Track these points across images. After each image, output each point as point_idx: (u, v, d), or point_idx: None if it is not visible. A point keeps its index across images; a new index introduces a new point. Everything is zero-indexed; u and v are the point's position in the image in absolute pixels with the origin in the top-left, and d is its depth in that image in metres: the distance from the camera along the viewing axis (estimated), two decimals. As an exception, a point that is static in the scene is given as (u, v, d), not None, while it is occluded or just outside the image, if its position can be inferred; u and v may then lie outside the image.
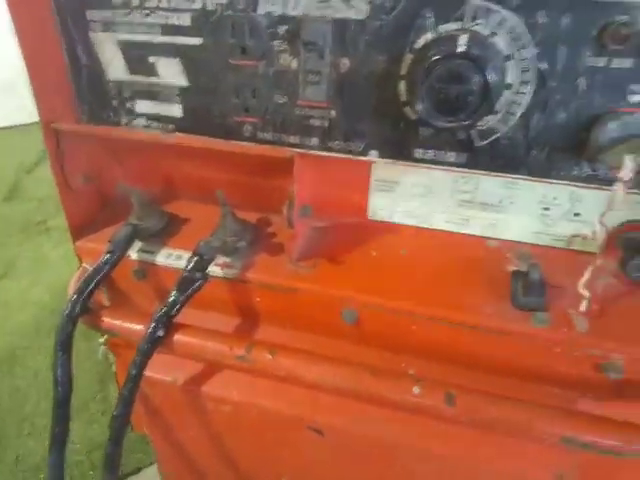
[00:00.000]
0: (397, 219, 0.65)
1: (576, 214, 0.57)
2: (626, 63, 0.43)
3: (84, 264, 0.70)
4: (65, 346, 0.59)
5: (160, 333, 0.56)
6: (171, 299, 0.57)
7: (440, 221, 0.64)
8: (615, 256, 0.56)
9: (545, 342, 0.53)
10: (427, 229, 0.64)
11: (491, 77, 0.43)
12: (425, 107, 0.45)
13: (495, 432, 0.52)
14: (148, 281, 0.67)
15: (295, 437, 0.61)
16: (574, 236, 0.53)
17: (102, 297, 0.71)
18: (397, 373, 0.51)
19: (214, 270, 0.62)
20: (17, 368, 1.49)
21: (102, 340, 0.79)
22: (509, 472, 0.54)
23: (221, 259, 0.62)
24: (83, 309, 0.60)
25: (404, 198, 0.63)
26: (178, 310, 0.57)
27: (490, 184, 0.58)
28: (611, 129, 0.44)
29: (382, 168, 0.61)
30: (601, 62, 0.43)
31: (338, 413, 0.58)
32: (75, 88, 0.64)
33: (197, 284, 0.57)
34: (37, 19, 0.59)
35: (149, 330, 0.56)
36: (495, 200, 0.59)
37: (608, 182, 0.48)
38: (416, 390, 0.50)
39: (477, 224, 0.62)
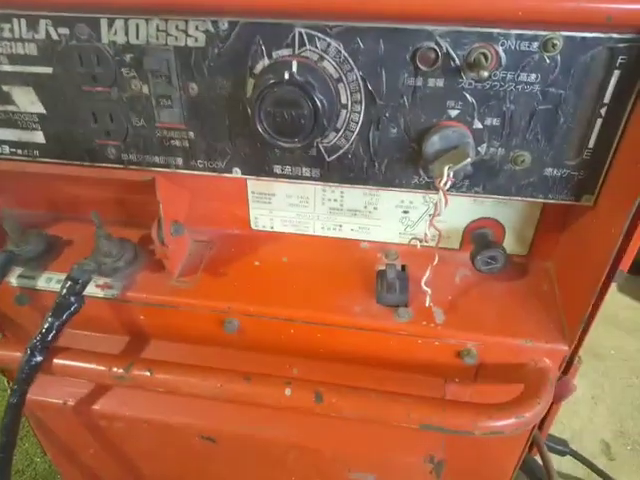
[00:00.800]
0: (278, 228, 0.68)
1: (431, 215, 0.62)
2: (439, 82, 0.47)
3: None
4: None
5: (37, 360, 0.56)
6: (46, 325, 0.57)
7: (317, 228, 0.67)
8: (470, 249, 0.62)
9: (408, 335, 0.57)
10: (306, 235, 0.68)
11: (320, 101, 0.46)
12: (264, 130, 0.48)
13: (366, 423, 0.56)
14: (32, 306, 0.67)
15: (190, 447, 0.63)
16: (413, 239, 0.58)
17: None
18: (270, 377, 0.54)
19: (94, 291, 0.62)
20: None
21: (-2, 367, 0.78)
22: (384, 460, 0.58)
23: (101, 280, 0.63)
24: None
25: (281, 208, 0.66)
26: (54, 336, 0.57)
27: (353, 192, 0.62)
28: (434, 142, 0.48)
29: (256, 182, 0.63)
30: (419, 82, 0.47)
31: (225, 419, 0.60)
32: None
33: (72, 309, 0.58)
34: None
35: (25, 358, 0.56)
36: (360, 206, 0.63)
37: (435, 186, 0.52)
38: (288, 392, 0.53)
39: (349, 229, 0.66)
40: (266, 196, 0.65)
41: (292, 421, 0.60)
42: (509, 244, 0.62)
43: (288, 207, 0.66)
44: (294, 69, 0.46)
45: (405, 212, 0.62)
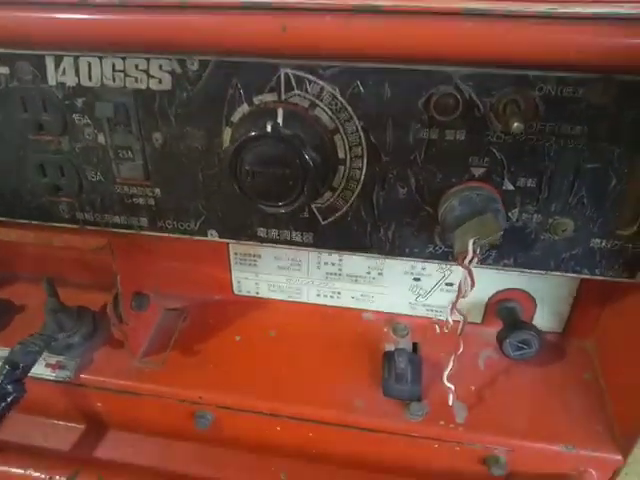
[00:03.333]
0: (264, 294, 0.58)
1: (448, 284, 0.52)
2: (460, 135, 0.37)
3: None
4: None
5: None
6: (-22, 422, 0.46)
7: (311, 294, 0.57)
8: (497, 325, 0.51)
9: (422, 438, 0.46)
10: (298, 303, 0.57)
11: (311, 158, 0.36)
12: (243, 191, 0.38)
13: None
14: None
15: None
16: (433, 322, 0.48)
17: None
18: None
19: (44, 372, 0.52)
20: None
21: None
22: None
23: (53, 358, 0.53)
24: None
25: (269, 271, 0.56)
26: (-13, 436, 0.47)
27: (353, 256, 0.52)
28: (454, 207, 0.38)
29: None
30: (434, 134, 0.38)
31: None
32: None
33: (10, 399, 0.47)
34: None
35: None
36: (362, 272, 0.53)
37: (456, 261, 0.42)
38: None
39: (349, 296, 0.56)
40: (251, 257, 0.56)
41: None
42: (541, 320, 0.52)
43: (277, 270, 0.56)
44: (279, 119, 0.36)
45: (416, 279, 0.52)
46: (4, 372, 0.48)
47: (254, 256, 0.55)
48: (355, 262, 0.53)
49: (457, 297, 0.39)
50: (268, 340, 0.54)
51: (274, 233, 0.46)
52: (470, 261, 0.36)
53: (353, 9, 0.30)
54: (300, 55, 0.36)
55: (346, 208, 0.43)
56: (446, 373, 0.43)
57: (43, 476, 0.45)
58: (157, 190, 0.46)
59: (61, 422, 0.55)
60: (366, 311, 0.56)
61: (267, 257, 0.55)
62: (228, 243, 0.55)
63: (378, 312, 0.56)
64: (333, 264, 0.53)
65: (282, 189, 0.38)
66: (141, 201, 0.47)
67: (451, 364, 0.43)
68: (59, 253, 0.60)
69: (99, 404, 0.53)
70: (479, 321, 0.54)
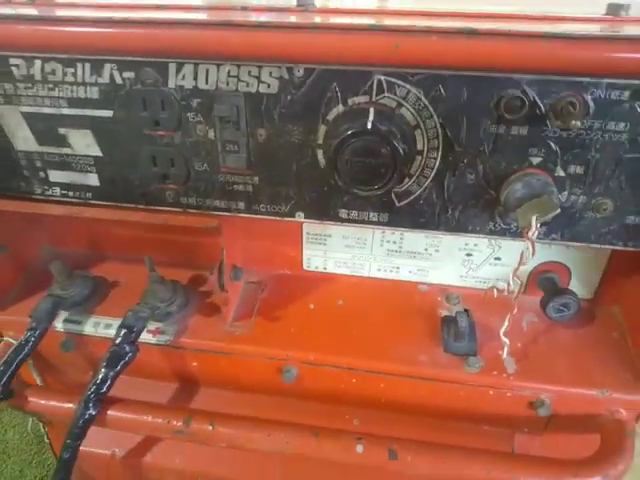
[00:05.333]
0: (331, 269, 0.66)
1: (497, 258, 0.60)
2: (523, 131, 0.45)
3: (6, 338, 0.66)
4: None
5: (91, 412, 0.53)
6: (100, 376, 0.54)
7: (373, 269, 0.65)
8: (537, 294, 0.60)
9: (479, 386, 0.55)
10: (360, 277, 0.66)
11: (401, 148, 0.44)
12: (342, 178, 0.46)
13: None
14: (78, 352, 0.64)
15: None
16: (490, 288, 0.56)
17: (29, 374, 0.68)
18: (340, 433, 0.52)
19: (146, 337, 0.60)
20: None
21: (34, 412, 0.75)
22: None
23: (153, 325, 0.61)
24: (6, 394, 0.56)
25: (336, 249, 0.64)
26: (109, 387, 0.54)
27: (414, 235, 0.60)
28: (516, 189, 0.46)
29: (313, 224, 0.61)
30: (501, 129, 0.46)
31: (284, 473, 0.58)
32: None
33: (127, 358, 0.55)
34: None
35: (79, 411, 0.53)
36: (421, 248, 0.61)
37: (520, 235, 0.51)
38: (359, 449, 0.51)
39: (407, 271, 0.64)
40: (321, 237, 0.64)
41: (353, 474, 0.57)
42: (574, 288, 0.60)
43: (344, 248, 0.64)
44: (371, 117, 0.44)
45: (468, 255, 0.60)
46: (121, 334, 0.56)
47: (324, 236, 0.63)
48: (414, 240, 0.61)
49: (519, 264, 0.47)
50: (338, 308, 0.63)
51: (354, 214, 0.54)
52: (533, 234, 0.45)
53: (456, 31, 0.38)
54: (393, 64, 0.44)
55: (419, 192, 0.51)
56: (502, 330, 0.52)
57: (161, 421, 0.53)
58: (256, 178, 0.54)
59: (158, 382, 0.63)
60: (421, 283, 0.64)
61: (336, 236, 0.63)
62: (302, 225, 0.63)
63: (432, 284, 0.64)
64: (394, 242, 0.61)
65: (375, 176, 0.46)
66: (241, 188, 0.55)
67: (507, 322, 0.52)
68: (144, 236, 0.68)
69: (195, 364, 0.61)
70: (522, 291, 0.62)
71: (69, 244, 0.71)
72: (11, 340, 0.64)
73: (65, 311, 0.63)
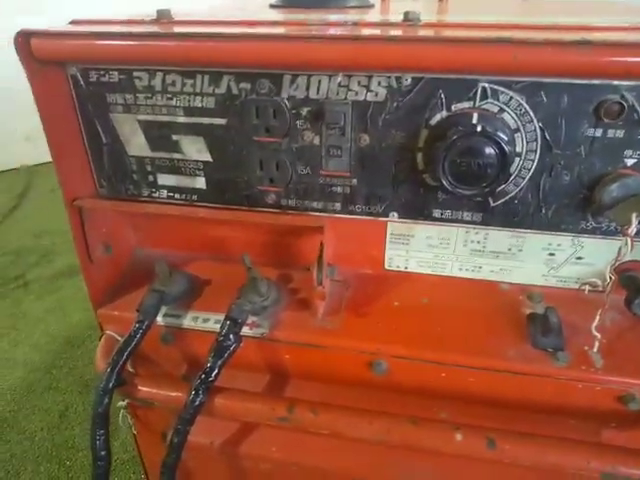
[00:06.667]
0: (412, 268, 0.69)
1: (579, 257, 0.63)
2: (619, 133, 0.48)
3: (107, 332, 0.70)
4: (102, 421, 0.60)
5: (201, 399, 0.57)
6: (209, 365, 0.58)
7: (454, 268, 0.68)
8: (619, 292, 0.62)
9: (567, 379, 0.57)
10: (441, 276, 0.69)
11: (507, 149, 0.48)
12: (447, 180, 0.50)
13: (532, 471, 0.55)
14: (175, 345, 0.68)
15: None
16: (584, 284, 0.58)
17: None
18: (437, 421, 0.54)
19: (243, 330, 0.64)
20: (10, 433, 1.42)
21: (124, 404, 0.79)
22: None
23: (250, 318, 0.65)
24: (118, 381, 0.61)
25: (419, 249, 0.67)
26: (216, 376, 0.58)
27: (499, 235, 0.63)
28: (612, 189, 0.49)
29: (398, 226, 0.65)
30: (598, 133, 0.49)
31: (379, 464, 0.60)
32: (94, 164, 0.66)
33: (232, 348, 0.59)
34: (57, 100, 0.61)
35: (190, 397, 0.57)
36: (504, 248, 0.64)
37: (611, 233, 0.53)
38: (459, 437, 0.53)
39: (489, 270, 0.67)
40: (405, 237, 0.67)
41: (445, 465, 0.59)
42: (657, 287, 0.62)
43: (426, 248, 0.67)
44: (476, 120, 0.48)
45: (551, 254, 0.63)
46: (227, 326, 0.60)
47: (408, 236, 0.67)
48: (498, 240, 0.64)
49: (616, 259, 0.50)
50: (422, 305, 0.66)
51: (448, 213, 0.57)
52: (632, 231, 0.47)
53: (570, 43, 0.42)
54: (499, 73, 0.48)
55: (515, 192, 0.54)
56: (594, 324, 0.54)
57: (266, 408, 0.57)
58: (354, 180, 0.58)
59: (251, 374, 0.67)
60: (503, 282, 0.67)
61: (419, 237, 0.66)
62: (387, 225, 0.66)
63: (513, 284, 0.66)
64: (478, 242, 0.64)
65: (481, 176, 0.49)
66: (339, 189, 0.59)
67: (598, 317, 0.54)
68: (233, 236, 0.73)
69: (287, 356, 0.64)
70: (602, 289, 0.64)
71: (161, 245, 0.76)
72: (113, 334, 0.69)
73: (165, 306, 0.68)
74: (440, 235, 0.66)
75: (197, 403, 0.57)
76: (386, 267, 0.70)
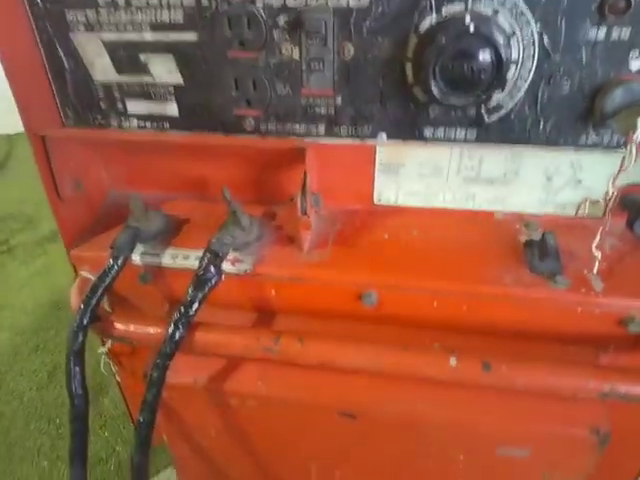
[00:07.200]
0: (403, 201, 0.66)
1: (578, 181, 0.60)
2: (625, 33, 0.44)
3: (82, 273, 0.67)
4: (78, 358, 0.57)
5: (181, 334, 0.55)
6: (188, 298, 0.55)
7: (447, 199, 0.65)
8: (618, 218, 0.59)
9: (567, 303, 0.55)
10: (433, 208, 0.65)
11: (502, 52, 0.44)
12: (439, 87, 0.46)
13: (527, 396, 0.54)
14: (154, 285, 0.65)
15: (325, 425, 0.62)
16: (583, 200, 0.55)
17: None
18: (430, 347, 0.52)
19: (225, 267, 0.61)
20: (-1, 394, 1.41)
21: (104, 350, 0.77)
22: (541, 432, 0.56)
23: (231, 255, 0.61)
24: (92, 318, 0.58)
25: (409, 179, 0.64)
26: (197, 310, 0.56)
27: (494, 158, 0.59)
28: (616, 96, 0.46)
29: (386, 151, 0.61)
30: (601, 34, 0.45)
31: (366, 394, 0.58)
32: (58, 91, 0.61)
33: (213, 281, 0.56)
34: (12, 23, 0.56)
35: (170, 331, 0.54)
36: (500, 174, 0.61)
37: (613, 147, 0.50)
38: (453, 361, 0.51)
39: (483, 199, 0.63)
40: (395, 167, 0.63)
41: (436, 394, 0.57)
42: (656, 210, 0.59)
43: (417, 178, 0.64)
44: (469, 21, 0.44)
45: (549, 179, 0.60)
46: (207, 259, 0.57)
47: (398, 165, 0.63)
48: (493, 165, 0.60)
49: (619, 170, 0.46)
50: (413, 237, 0.63)
51: (440, 132, 0.54)
52: (638, 137, 0.44)
53: None
54: (495, -35, 0.43)
55: (511, 105, 0.50)
56: (594, 244, 0.51)
57: (250, 339, 0.54)
58: (338, 99, 0.54)
59: (236, 313, 0.64)
60: (497, 212, 0.64)
61: (410, 165, 0.62)
62: (375, 154, 0.63)
63: (509, 213, 0.63)
64: (472, 168, 0.61)
65: (474, 82, 0.45)
66: (322, 110, 0.55)
67: (598, 236, 0.51)
68: (211, 172, 0.69)
69: (273, 292, 0.61)
70: (600, 215, 0.61)
71: (137, 186, 0.72)
72: (87, 275, 0.66)
73: (142, 244, 0.64)
74: (432, 161, 0.62)
75: (177, 337, 0.55)
76: (375, 202, 0.67)
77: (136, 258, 0.64)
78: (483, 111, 0.50)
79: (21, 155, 3.01)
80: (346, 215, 0.67)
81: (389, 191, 0.65)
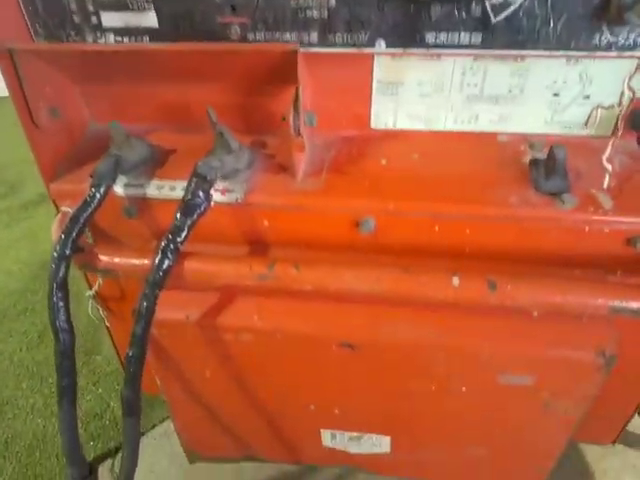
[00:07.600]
0: (402, 124, 0.62)
1: (586, 97, 0.56)
2: None
3: (63, 208, 0.63)
4: (61, 290, 0.53)
5: (169, 262, 0.51)
6: (176, 224, 0.52)
7: (448, 121, 0.61)
8: (628, 136, 0.56)
9: (574, 222, 0.52)
10: (435, 131, 0.62)
11: None
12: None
13: (531, 321, 0.51)
14: (140, 218, 0.62)
15: (323, 358, 0.59)
16: (594, 108, 0.52)
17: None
18: (432, 268, 0.49)
19: (215, 196, 0.57)
20: (-13, 356, 1.37)
21: (91, 293, 0.73)
22: (545, 357, 0.54)
23: (220, 184, 0.58)
24: (74, 249, 0.54)
25: (409, 100, 0.60)
26: (185, 237, 0.52)
27: (497, 73, 0.55)
28: (636, -16, 0.42)
29: (385, 66, 0.57)
30: None
31: (365, 323, 0.56)
32: (26, 7, 0.55)
33: (202, 207, 0.53)
34: None
35: (158, 259, 0.51)
36: (504, 90, 0.57)
37: (629, 47, 0.46)
38: (456, 281, 0.48)
39: (486, 119, 0.60)
40: (393, 85, 0.59)
41: (437, 321, 0.55)
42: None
43: (417, 99, 0.60)
44: None
45: (555, 95, 0.56)
46: (194, 183, 0.53)
47: (397, 84, 0.59)
48: (498, 80, 0.56)
49: (635, 72, 0.43)
50: (413, 162, 0.59)
51: (443, 37, 0.49)
52: (659, 24, 0.40)
53: None
54: None
55: (519, 2, 0.46)
56: (605, 155, 0.48)
57: (244, 267, 0.51)
58: (332, 1, 0.49)
59: (228, 246, 0.61)
60: (501, 133, 0.60)
61: (410, 84, 0.58)
62: (372, 72, 0.58)
63: (513, 134, 0.60)
64: (475, 85, 0.57)
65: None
66: (315, 14, 0.50)
67: (610, 147, 0.48)
68: (197, 100, 0.64)
69: (265, 222, 0.58)
70: (609, 134, 0.58)
71: (118, 117, 0.67)
72: (69, 209, 0.62)
73: (125, 175, 0.60)
74: (433, 78, 0.58)
75: (165, 266, 0.51)
76: (372, 126, 0.63)
77: (119, 190, 0.60)
78: (489, 8, 0.46)
79: (1, 121, 2.91)
80: (341, 141, 0.63)
81: (387, 113, 0.62)
